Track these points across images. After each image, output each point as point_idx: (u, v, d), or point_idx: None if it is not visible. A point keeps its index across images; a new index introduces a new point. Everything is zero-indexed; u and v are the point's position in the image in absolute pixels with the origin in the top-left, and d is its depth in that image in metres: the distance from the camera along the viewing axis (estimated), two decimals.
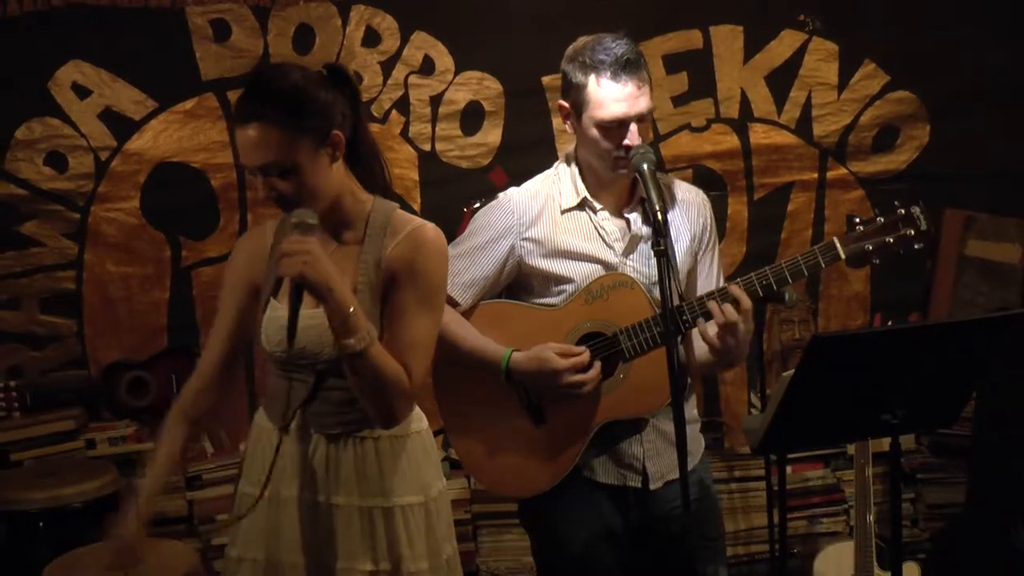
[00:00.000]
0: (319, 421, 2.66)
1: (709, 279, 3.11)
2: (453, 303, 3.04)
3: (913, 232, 2.93)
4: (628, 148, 2.91)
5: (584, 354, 2.95)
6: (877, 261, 2.96)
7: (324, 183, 2.55)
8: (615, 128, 2.91)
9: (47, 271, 4.42)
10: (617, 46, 2.90)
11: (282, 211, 2.59)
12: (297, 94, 2.50)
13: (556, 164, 3.12)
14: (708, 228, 3.12)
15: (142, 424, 4.41)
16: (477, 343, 3.02)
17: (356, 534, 2.65)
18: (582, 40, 2.97)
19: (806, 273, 2.94)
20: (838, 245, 2.93)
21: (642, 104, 2.91)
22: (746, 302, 2.86)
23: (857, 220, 2.95)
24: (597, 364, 2.96)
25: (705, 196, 3.16)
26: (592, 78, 2.90)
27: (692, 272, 3.11)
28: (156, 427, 4.33)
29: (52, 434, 4.32)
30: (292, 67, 2.60)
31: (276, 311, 2.63)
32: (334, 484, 2.65)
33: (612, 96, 2.89)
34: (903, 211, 2.94)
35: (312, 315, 2.53)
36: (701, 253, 3.11)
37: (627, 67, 2.88)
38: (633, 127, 2.90)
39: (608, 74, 2.89)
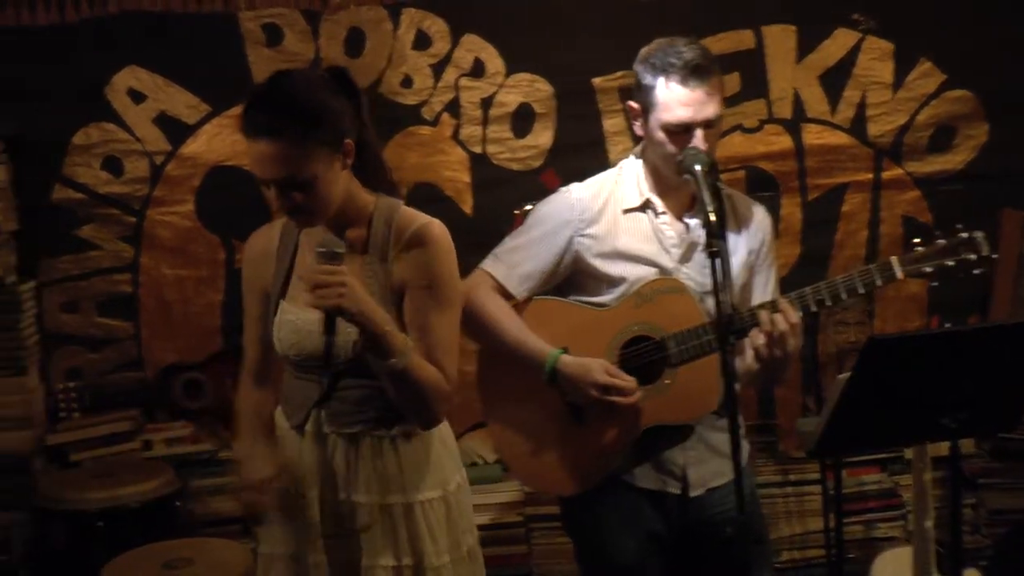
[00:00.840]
0: (336, 421, 2.67)
1: (765, 294, 3.08)
2: (508, 295, 3.05)
3: (975, 257, 2.90)
4: None
5: (631, 383, 2.94)
6: (936, 283, 2.94)
7: (336, 191, 2.56)
8: (680, 132, 2.90)
9: (104, 274, 4.47)
10: (688, 50, 2.90)
11: (294, 221, 2.62)
12: (311, 107, 2.49)
13: (620, 163, 3.12)
14: (766, 244, 3.10)
15: (198, 425, 4.45)
16: (525, 339, 3.02)
17: (378, 531, 2.67)
18: (656, 42, 2.97)
19: (861, 291, 2.92)
20: (896, 265, 2.91)
21: (709, 110, 2.89)
22: (794, 317, 2.84)
23: (917, 240, 2.92)
24: (638, 394, 2.95)
25: (766, 212, 3.15)
26: (661, 80, 2.90)
27: (746, 287, 3.09)
28: (212, 428, 4.43)
29: (109, 435, 4.36)
30: (302, 77, 2.60)
31: (287, 314, 2.65)
32: (354, 483, 2.67)
33: (678, 99, 2.88)
34: (965, 235, 2.91)
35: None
36: (757, 268, 3.09)
37: (696, 71, 2.87)
38: (699, 132, 2.89)
39: (677, 78, 2.88)
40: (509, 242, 3.09)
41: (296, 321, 2.61)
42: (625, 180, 3.07)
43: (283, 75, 2.59)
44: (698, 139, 2.89)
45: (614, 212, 3.03)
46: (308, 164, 2.47)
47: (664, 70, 2.90)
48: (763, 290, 3.09)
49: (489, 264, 3.08)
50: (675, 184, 2.98)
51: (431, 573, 2.68)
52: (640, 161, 3.07)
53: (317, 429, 2.68)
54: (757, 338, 2.85)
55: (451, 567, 2.71)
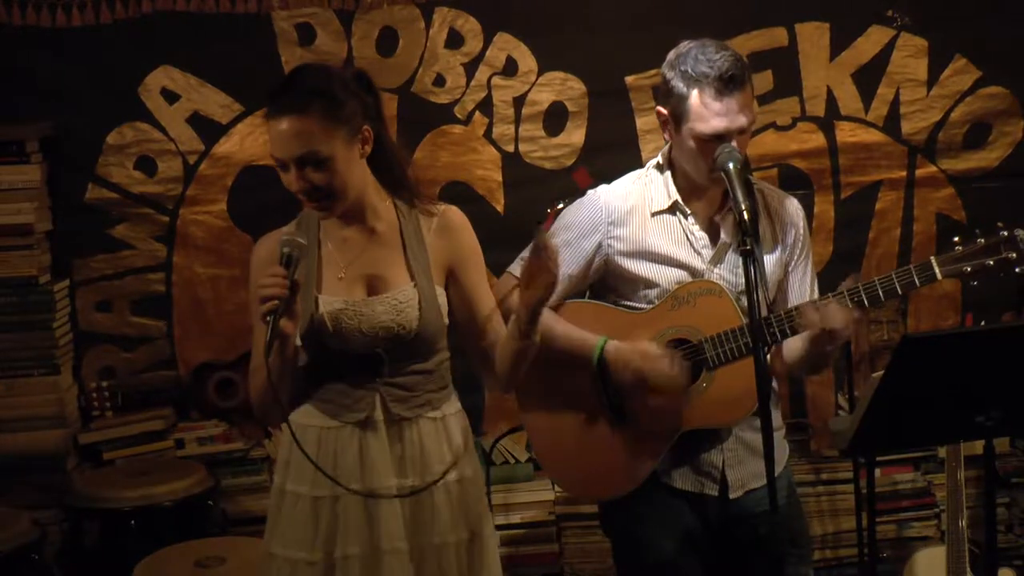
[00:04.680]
0: (398, 408, 2.71)
1: (803, 289, 3.07)
2: None
3: (1015, 255, 2.86)
4: None
5: (676, 353, 2.94)
6: (975, 283, 2.91)
7: (355, 175, 2.66)
8: (714, 141, 2.88)
9: (137, 273, 4.50)
10: (722, 58, 2.86)
11: (310, 205, 2.67)
12: (332, 90, 2.63)
13: (648, 165, 3.10)
14: (800, 238, 3.08)
15: (230, 424, 4.46)
16: (570, 331, 3.02)
17: (446, 507, 2.74)
18: (685, 45, 2.93)
19: (900, 292, 2.89)
20: (935, 265, 2.87)
21: (743, 119, 2.88)
22: (850, 313, 2.83)
23: (956, 239, 2.89)
24: (685, 363, 2.93)
25: (799, 205, 3.12)
26: (695, 92, 2.87)
27: (782, 284, 3.07)
28: (244, 427, 4.45)
29: (143, 434, 4.39)
30: (322, 65, 2.77)
31: (335, 304, 2.69)
32: (422, 466, 2.72)
33: (714, 111, 2.86)
34: (1006, 233, 2.87)
35: (389, 298, 2.68)
36: (792, 264, 3.07)
37: (731, 83, 2.84)
38: (733, 141, 2.88)
39: (711, 91, 2.85)
40: None
41: (351, 308, 2.67)
42: (653, 182, 3.05)
43: (305, 64, 2.80)
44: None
45: (643, 215, 3.02)
46: (329, 141, 2.59)
47: (698, 81, 2.86)
48: (800, 286, 3.07)
49: (517, 269, 3.06)
50: (703, 187, 2.98)
51: (484, 542, 2.80)
52: (668, 163, 3.04)
53: (387, 417, 2.71)
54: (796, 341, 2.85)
55: (495, 537, 2.86)
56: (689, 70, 2.88)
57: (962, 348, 2.62)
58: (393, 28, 4.45)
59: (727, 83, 2.84)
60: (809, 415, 4.65)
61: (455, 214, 2.81)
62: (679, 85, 2.90)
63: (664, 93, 2.96)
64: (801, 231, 3.09)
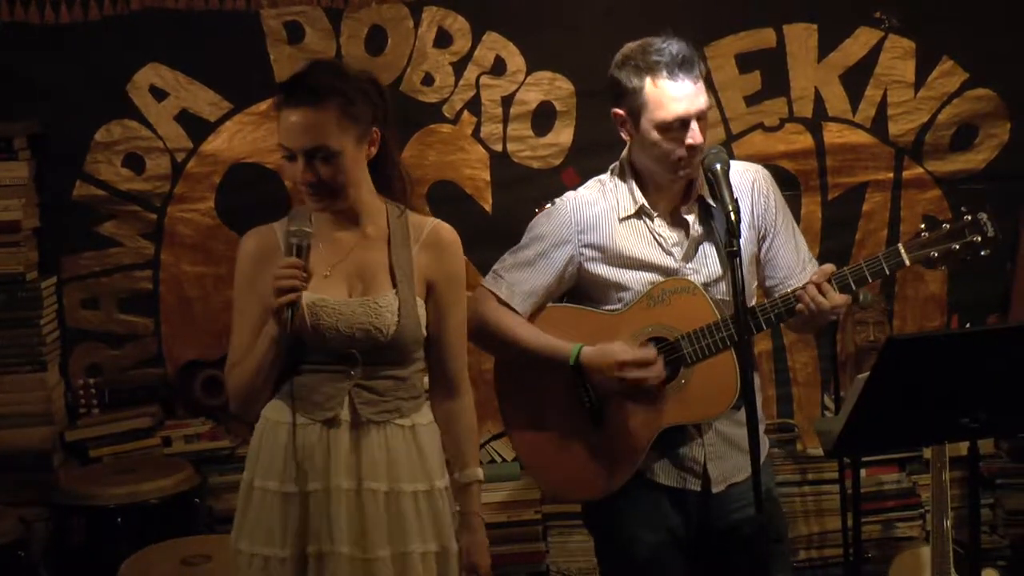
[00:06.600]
0: (366, 411, 2.70)
1: (788, 255, 3.07)
2: (513, 311, 3.05)
3: (980, 239, 2.89)
4: (691, 148, 2.89)
5: (651, 352, 2.94)
6: (944, 268, 2.93)
7: (357, 175, 2.69)
8: (676, 128, 2.88)
9: (125, 271, 4.49)
10: (669, 45, 2.88)
11: (311, 198, 2.67)
12: (349, 88, 2.66)
13: (609, 172, 3.10)
14: (773, 206, 3.07)
15: (217, 422, 4.46)
16: (545, 341, 3.02)
17: (415, 518, 2.72)
18: (629, 46, 2.95)
19: (870, 280, 2.92)
20: (903, 252, 2.90)
21: (701, 101, 2.89)
22: (838, 299, 2.86)
23: (923, 226, 2.92)
24: (660, 360, 2.94)
25: (766, 173, 3.11)
26: (648, 80, 2.88)
27: (763, 257, 3.07)
28: (231, 425, 4.44)
29: (129, 431, 4.38)
30: (340, 64, 2.81)
31: (316, 301, 2.67)
32: (388, 471, 2.71)
33: (671, 95, 2.87)
34: (969, 217, 2.90)
35: (363, 301, 2.68)
36: (774, 231, 3.06)
37: (683, 65, 2.86)
38: (694, 125, 2.88)
39: (664, 74, 2.86)
40: (509, 259, 3.08)
41: (331, 306, 2.66)
42: (617, 188, 3.05)
43: (321, 60, 2.83)
44: (695, 132, 2.88)
45: (611, 221, 3.02)
46: (341, 137, 2.62)
47: (650, 69, 2.88)
48: (786, 252, 3.07)
49: (491, 282, 3.07)
50: (667, 184, 2.98)
51: (453, 558, 2.77)
52: (629, 167, 3.04)
53: (354, 418, 2.70)
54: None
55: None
56: (639, 63, 2.90)
57: (947, 350, 2.63)
58: (382, 27, 4.45)
59: (680, 65, 2.86)
60: (795, 415, 4.66)
61: (447, 232, 2.80)
62: (631, 80, 2.91)
63: (617, 94, 2.97)
64: (772, 199, 3.07)
